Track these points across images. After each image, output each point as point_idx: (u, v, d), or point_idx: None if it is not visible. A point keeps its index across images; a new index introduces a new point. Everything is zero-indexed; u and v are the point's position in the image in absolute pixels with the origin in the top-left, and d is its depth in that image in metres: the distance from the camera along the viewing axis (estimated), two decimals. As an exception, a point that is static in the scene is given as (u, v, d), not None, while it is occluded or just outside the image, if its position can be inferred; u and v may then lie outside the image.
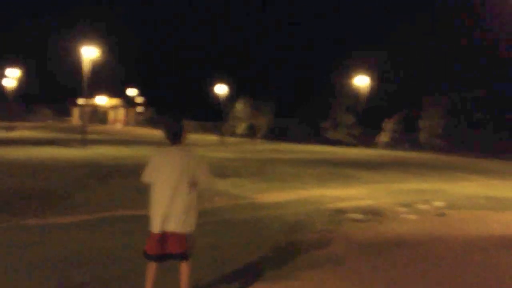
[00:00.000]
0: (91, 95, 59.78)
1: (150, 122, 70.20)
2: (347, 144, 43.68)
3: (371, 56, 49.72)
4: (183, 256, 4.52)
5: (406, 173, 19.50)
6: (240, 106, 53.25)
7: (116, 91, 79.36)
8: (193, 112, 55.35)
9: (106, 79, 68.43)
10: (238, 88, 55.35)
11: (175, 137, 4.51)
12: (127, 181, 12.98)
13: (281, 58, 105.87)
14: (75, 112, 76.60)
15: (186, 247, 4.53)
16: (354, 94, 46.42)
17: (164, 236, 4.45)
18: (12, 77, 57.24)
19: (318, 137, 46.68)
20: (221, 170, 16.22)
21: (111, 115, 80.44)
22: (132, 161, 18.45)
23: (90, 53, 31.57)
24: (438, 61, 60.28)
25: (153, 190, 4.51)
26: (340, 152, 34.07)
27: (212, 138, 45.20)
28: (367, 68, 46.14)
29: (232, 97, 54.43)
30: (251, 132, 50.90)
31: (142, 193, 10.12)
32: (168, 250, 4.50)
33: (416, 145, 41.32)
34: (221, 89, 53.93)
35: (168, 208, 4.40)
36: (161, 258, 4.52)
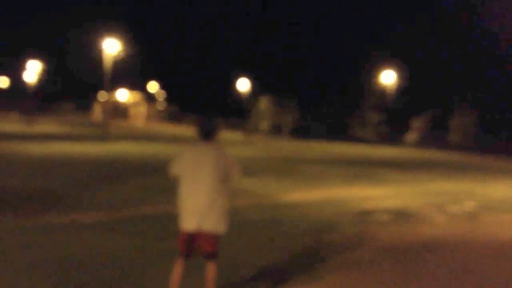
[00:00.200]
0: (112, 89, 60.33)
1: (172, 118, 70.56)
2: (374, 143, 43.36)
3: (398, 56, 49.33)
4: (213, 256, 4.55)
5: (435, 173, 19.29)
6: (263, 104, 53.22)
7: (138, 86, 79.99)
8: (216, 109, 55.52)
9: (128, 73, 69.03)
10: (262, 85, 55.34)
11: (208, 135, 4.56)
12: (147, 180, 13.06)
13: (306, 55, 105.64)
14: (97, 107, 77.35)
15: (216, 247, 4.56)
16: (381, 92, 46.08)
17: (195, 234, 4.48)
18: (34, 71, 58.02)
19: (343, 135, 46.47)
20: (245, 169, 16.21)
21: (133, 110, 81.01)
22: (153, 159, 18.59)
23: (111, 47, 31.89)
24: (468, 60, 59.55)
25: (183, 186, 4.53)
26: (366, 150, 33.84)
27: (236, 135, 45.26)
28: (394, 66, 45.74)
29: (254, 94, 54.43)
30: (276, 130, 50.86)
31: (162, 193, 10.19)
32: (198, 248, 4.53)
33: (445, 145, 40.87)
34: (243, 86, 53.95)
35: (203, 207, 4.41)
36: (189, 255, 4.56)
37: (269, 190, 12.63)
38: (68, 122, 54.58)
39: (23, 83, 63.59)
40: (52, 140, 26.86)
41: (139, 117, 78.88)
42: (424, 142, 42.09)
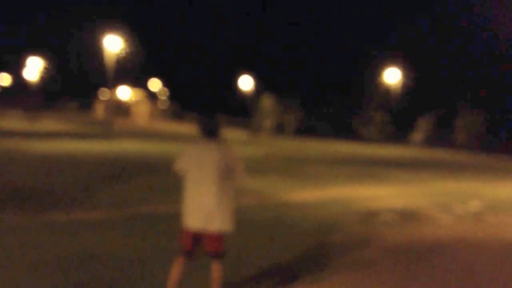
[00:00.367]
0: (114, 87, 60.44)
1: (174, 116, 70.63)
2: (378, 142, 43.29)
3: (402, 55, 49.29)
4: (219, 255, 4.54)
5: (441, 173, 19.25)
6: (266, 103, 53.21)
7: (140, 84, 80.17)
8: (219, 107, 55.55)
9: (130, 71, 69.11)
10: (265, 84, 55.34)
11: (211, 134, 4.54)
12: (149, 178, 13.07)
13: (309, 54, 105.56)
14: (99, 105, 77.47)
15: (223, 246, 4.56)
16: (385, 91, 46.02)
17: (201, 234, 4.48)
18: (36, 69, 58.18)
19: (348, 134, 46.41)
20: (249, 168, 16.21)
21: (135, 109, 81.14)
22: (155, 157, 18.59)
23: (113, 45, 31.93)
24: (474, 59, 59.52)
25: (188, 184, 4.51)
26: (371, 150, 33.80)
27: (239, 133, 45.23)
28: (399, 65, 45.68)
29: (258, 93, 54.42)
30: (279, 129, 50.85)
31: (164, 192, 10.19)
32: (202, 247, 4.52)
33: (450, 144, 40.80)
34: (246, 84, 53.96)
35: (207, 206, 4.39)
36: (191, 254, 4.55)
37: (273, 189, 12.61)
38: (71, 120, 54.61)
39: (25, 81, 63.77)
40: (55, 138, 26.89)
41: (142, 115, 79.01)
42: (429, 141, 42.01)
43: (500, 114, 40.73)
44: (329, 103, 52.54)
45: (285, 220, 8.95)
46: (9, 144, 21.33)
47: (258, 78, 54.81)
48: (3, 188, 10.55)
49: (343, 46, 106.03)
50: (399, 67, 45.17)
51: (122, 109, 78.69)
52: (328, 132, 47.54)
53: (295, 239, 7.50)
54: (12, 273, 5.36)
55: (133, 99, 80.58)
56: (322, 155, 26.25)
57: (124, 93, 78.11)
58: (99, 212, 8.79)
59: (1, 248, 6.28)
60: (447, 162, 25.86)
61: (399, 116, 44.56)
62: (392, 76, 44.92)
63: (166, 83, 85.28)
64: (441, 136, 42.05)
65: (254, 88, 53.94)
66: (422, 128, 43.09)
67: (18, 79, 74.62)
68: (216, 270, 4.54)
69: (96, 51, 36.15)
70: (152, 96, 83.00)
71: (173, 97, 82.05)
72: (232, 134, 43.72)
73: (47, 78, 65.80)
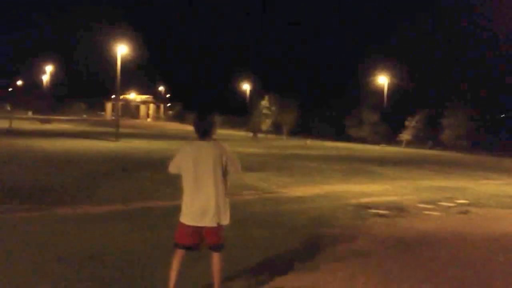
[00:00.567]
0: (123, 91, 60.43)
1: (179, 117, 70.67)
2: (371, 142, 43.29)
3: (393, 56, 49.33)
4: (218, 248, 4.52)
5: (430, 170, 19.24)
6: (265, 103, 53.17)
7: (146, 87, 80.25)
8: (219, 107, 55.52)
9: (137, 74, 69.14)
10: (263, 85, 55.37)
11: (204, 133, 4.50)
12: (156, 174, 13.06)
13: (306, 55, 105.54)
14: (108, 107, 77.53)
15: (222, 239, 4.54)
16: (378, 92, 46.01)
17: (199, 228, 4.45)
18: (47, 72, 58.23)
19: (342, 135, 46.41)
20: (249, 165, 16.25)
21: (142, 110, 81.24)
22: (163, 154, 18.59)
23: (121, 51, 31.95)
24: (459, 60, 59.58)
25: (186, 183, 4.46)
26: (363, 149, 33.82)
27: (239, 133, 45.24)
28: (390, 66, 45.71)
29: (257, 93, 54.42)
30: (277, 129, 50.81)
31: (173, 186, 10.20)
32: (202, 241, 4.50)
33: (438, 143, 40.79)
34: (245, 85, 54.00)
35: (205, 203, 4.36)
36: (190, 247, 4.52)
37: (271, 185, 12.63)
38: (81, 121, 54.64)
39: (36, 83, 63.79)
40: (66, 138, 26.91)
41: (148, 116, 79.09)
42: (419, 141, 41.97)
43: (485, 113, 40.67)
44: (324, 104, 52.51)
45: (282, 213, 8.96)
46: (23, 143, 21.33)
47: (257, 79, 54.87)
48: (14, 184, 10.56)
49: (337, 47, 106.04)
50: (390, 68, 45.24)
51: (130, 110, 78.84)
52: (324, 132, 47.49)
53: (292, 232, 7.50)
54: (25, 265, 5.36)
55: (141, 100, 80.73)
56: (317, 153, 26.25)
57: (132, 95, 78.24)
58: (106, 206, 8.80)
59: (9, 241, 6.28)
60: (435, 160, 25.85)
61: (390, 116, 44.52)
62: (384, 77, 44.97)
63: (170, 85, 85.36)
64: (430, 135, 42.03)
65: (253, 88, 53.95)
66: (410, 128, 43.04)
67: (30, 82, 74.72)
68: (216, 262, 4.52)
69: (104, 54, 36.18)
70: (157, 97, 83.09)
71: (176, 98, 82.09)
72: (232, 133, 43.74)
73: (58, 80, 65.81)
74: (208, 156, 4.40)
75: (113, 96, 61.35)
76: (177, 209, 4.56)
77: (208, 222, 4.38)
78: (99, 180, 11.82)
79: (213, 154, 4.40)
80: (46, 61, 62.78)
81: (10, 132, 29.11)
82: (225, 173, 4.48)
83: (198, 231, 4.43)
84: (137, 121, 70.72)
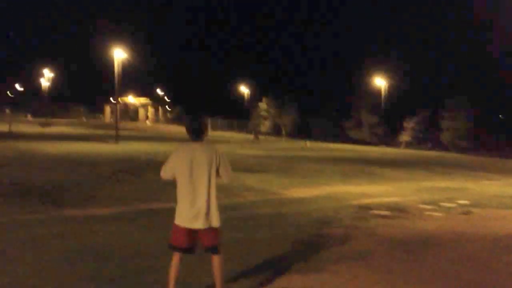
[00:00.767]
0: (122, 92, 60.45)
1: (177, 119, 70.67)
2: (370, 143, 43.28)
3: (392, 56, 49.36)
4: (215, 249, 4.49)
5: (430, 171, 19.25)
6: (264, 105, 53.23)
7: (145, 90, 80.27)
8: (218, 110, 55.56)
9: (136, 77, 69.13)
10: (263, 87, 55.37)
11: (197, 135, 4.50)
12: (156, 177, 13.05)
13: (305, 57, 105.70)
14: (107, 110, 77.51)
15: (218, 241, 4.52)
16: (377, 94, 46.00)
17: (194, 231, 4.43)
18: (47, 77, 58.26)
19: (341, 136, 46.41)
20: (250, 167, 16.24)
21: (141, 113, 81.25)
22: (162, 156, 18.56)
23: (119, 55, 31.99)
24: (460, 60, 59.63)
25: (181, 185, 4.44)
26: (363, 150, 33.81)
27: (239, 135, 45.23)
28: (389, 67, 45.71)
29: (256, 96, 54.44)
30: (277, 131, 50.85)
31: (170, 190, 10.19)
32: (196, 243, 4.48)
33: (438, 144, 40.77)
34: (244, 88, 54.04)
35: (200, 205, 4.34)
36: (187, 250, 4.51)
37: (272, 186, 12.60)
38: (81, 124, 54.63)
39: (36, 87, 63.79)
40: (67, 141, 26.90)
41: (147, 119, 79.06)
42: (418, 142, 41.98)
43: (484, 114, 40.65)
44: (324, 106, 52.48)
45: (285, 214, 8.95)
46: (25, 146, 21.33)
47: (256, 81, 54.92)
48: (21, 186, 10.57)
49: (336, 47, 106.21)
50: (389, 70, 45.25)
51: (129, 113, 78.83)
52: (323, 133, 47.51)
53: (293, 232, 7.48)
54: (29, 265, 5.36)
55: (139, 103, 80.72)
56: (317, 155, 26.24)
57: (131, 98, 78.25)
58: (111, 208, 8.79)
59: (16, 243, 6.27)
60: (435, 161, 25.86)
61: (389, 117, 44.51)
62: (382, 79, 44.95)
63: (169, 88, 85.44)
64: (429, 136, 42.03)
65: (252, 91, 54.00)
66: (410, 129, 43.03)
67: (30, 86, 74.74)
68: (216, 264, 4.50)
69: (105, 58, 36.17)
70: (157, 100, 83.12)
71: (175, 101, 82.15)
72: (231, 135, 43.75)
73: (58, 84, 65.80)
74: (202, 157, 4.39)
75: (111, 99, 61.31)
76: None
77: (201, 224, 4.36)
78: (102, 182, 11.82)
79: (206, 156, 4.40)
80: (45, 64, 62.82)
81: (10, 135, 29.08)
82: (216, 176, 4.45)
83: (192, 233, 4.41)
84: (136, 123, 70.72)
